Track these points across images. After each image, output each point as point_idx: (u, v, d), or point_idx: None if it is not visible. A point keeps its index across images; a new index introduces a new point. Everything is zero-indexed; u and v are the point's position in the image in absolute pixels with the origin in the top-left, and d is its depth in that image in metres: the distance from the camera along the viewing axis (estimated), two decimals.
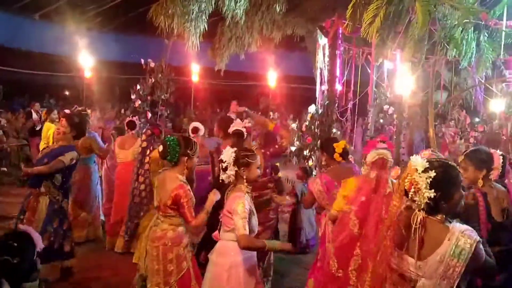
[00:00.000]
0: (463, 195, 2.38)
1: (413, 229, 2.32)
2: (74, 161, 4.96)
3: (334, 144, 4.49)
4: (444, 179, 2.28)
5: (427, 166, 2.28)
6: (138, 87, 11.64)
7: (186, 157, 3.77)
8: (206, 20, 10.15)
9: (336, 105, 12.71)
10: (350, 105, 13.40)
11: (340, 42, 11.92)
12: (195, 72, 17.79)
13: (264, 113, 15.19)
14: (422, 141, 11.54)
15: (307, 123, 11.85)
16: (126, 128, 7.09)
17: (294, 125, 12.11)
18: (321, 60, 12.63)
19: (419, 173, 2.27)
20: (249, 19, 11.89)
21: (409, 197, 2.33)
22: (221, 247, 3.48)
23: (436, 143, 9.56)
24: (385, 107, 13.59)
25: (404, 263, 2.37)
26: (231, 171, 3.42)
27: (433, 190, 2.24)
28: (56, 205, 4.87)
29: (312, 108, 13.16)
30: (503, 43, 8.94)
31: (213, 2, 9.74)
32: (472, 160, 3.36)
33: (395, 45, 7.57)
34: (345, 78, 12.91)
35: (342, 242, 3.68)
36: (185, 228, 3.82)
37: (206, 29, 10.29)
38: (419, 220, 2.29)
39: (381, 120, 13.75)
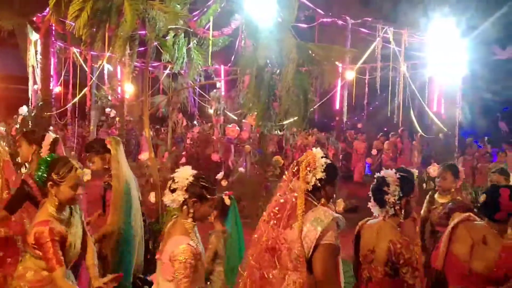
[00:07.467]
0: None
1: None
2: None
3: None
4: None
5: None
6: None
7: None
8: None
9: (53, 106, 11.83)
10: (69, 107, 12.70)
11: (53, 39, 11.12)
12: None
13: None
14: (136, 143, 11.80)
15: (18, 126, 10.67)
16: None
17: (2, 128, 10.69)
18: (33, 57, 11.53)
19: None
20: None
21: None
22: None
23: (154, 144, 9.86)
24: (107, 110, 13.39)
25: None
26: None
27: None
28: None
29: (23, 110, 11.89)
30: (210, 51, 9.82)
31: None
32: None
33: (106, 45, 7.40)
34: (62, 78, 12.15)
35: None
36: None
37: None
38: None
39: (104, 124, 13.53)
